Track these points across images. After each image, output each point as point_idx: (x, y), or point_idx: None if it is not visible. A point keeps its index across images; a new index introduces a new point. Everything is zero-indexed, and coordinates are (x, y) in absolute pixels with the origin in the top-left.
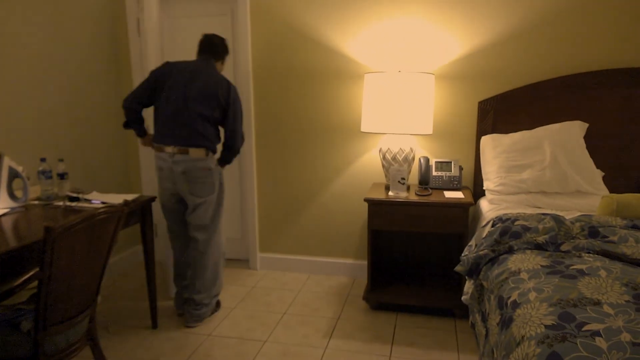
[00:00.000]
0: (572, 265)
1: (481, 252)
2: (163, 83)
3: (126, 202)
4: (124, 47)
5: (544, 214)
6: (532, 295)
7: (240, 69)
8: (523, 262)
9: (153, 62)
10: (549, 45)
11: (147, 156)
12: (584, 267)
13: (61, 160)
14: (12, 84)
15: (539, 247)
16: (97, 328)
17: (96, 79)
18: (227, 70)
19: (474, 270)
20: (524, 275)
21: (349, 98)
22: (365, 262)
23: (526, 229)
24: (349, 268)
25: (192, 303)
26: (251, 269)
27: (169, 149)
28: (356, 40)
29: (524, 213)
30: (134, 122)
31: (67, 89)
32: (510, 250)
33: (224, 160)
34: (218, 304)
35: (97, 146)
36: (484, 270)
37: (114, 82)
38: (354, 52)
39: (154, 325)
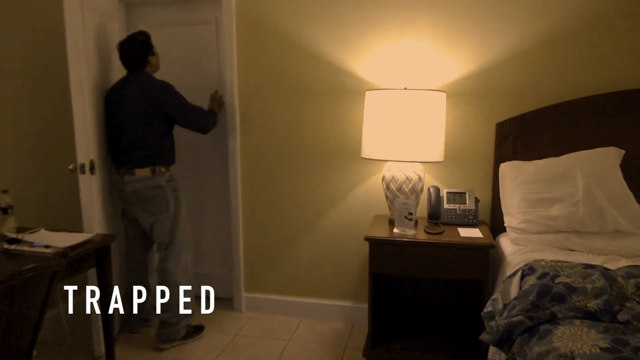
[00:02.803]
0: None
1: (515, 319)
2: (107, 113)
3: (64, 254)
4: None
5: (587, 266)
6: None
7: (224, 84)
8: (574, 339)
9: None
10: (580, 59)
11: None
12: None
13: (5, 191)
14: None
15: (589, 315)
16: None
17: (47, 96)
18: (212, 85)
19: (505, 339)
20: None
21: (347, 118)
22: (364, 306)
23: (571, 289)
24: (346, 312)
25: (160, 324)
26: (235, 311)
27: (121, 171)
28: (357, 53)
29: (562, 262)
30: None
31: (13, 107)
32: (553, 319)
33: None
34: (198, 329)
35: (52, 174)
36: (519, 343)
37: (67, 99)
38: (354, 66)
39: None
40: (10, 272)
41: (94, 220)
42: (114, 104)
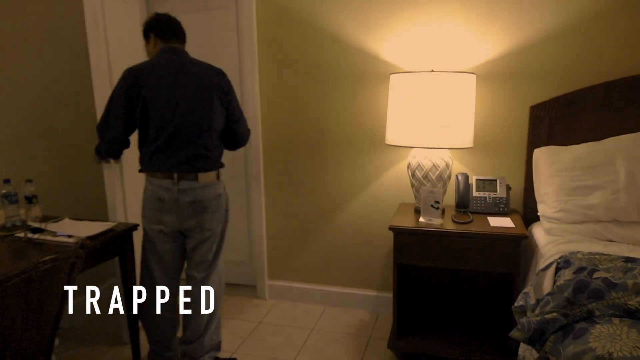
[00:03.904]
0: None
1: (548, 316)
2: (142, 98)
3: (82, 245)
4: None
5: (628, 259)
6: None
7: (245, 70)
8: (613, 340)
9: (120, 63)
10: (620, 37)
11: (132, 176)
12: None
13: (29, 180)
14: None
15: (630, 314)
16: None
17: (69, 84)
18: (233, 72)
19: (537, 337)
20: None
21: (371, 103)
22: (390, 295)
23: (610, 285)
24: (371, 301)
25: (183, 355)
26: (259, 298)
27: (174, 176)
28: (380, 34)
29: (600, 255)
30: (118, 154)
31: (35, 96)
32: (590, 317)
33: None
34: None
35: (75, 162)
36: (552, 341)
37: (89, 87)
38: (377, 48)
39: None
40: (30, 262)
41: (119, 209)
42: (163, 85)
